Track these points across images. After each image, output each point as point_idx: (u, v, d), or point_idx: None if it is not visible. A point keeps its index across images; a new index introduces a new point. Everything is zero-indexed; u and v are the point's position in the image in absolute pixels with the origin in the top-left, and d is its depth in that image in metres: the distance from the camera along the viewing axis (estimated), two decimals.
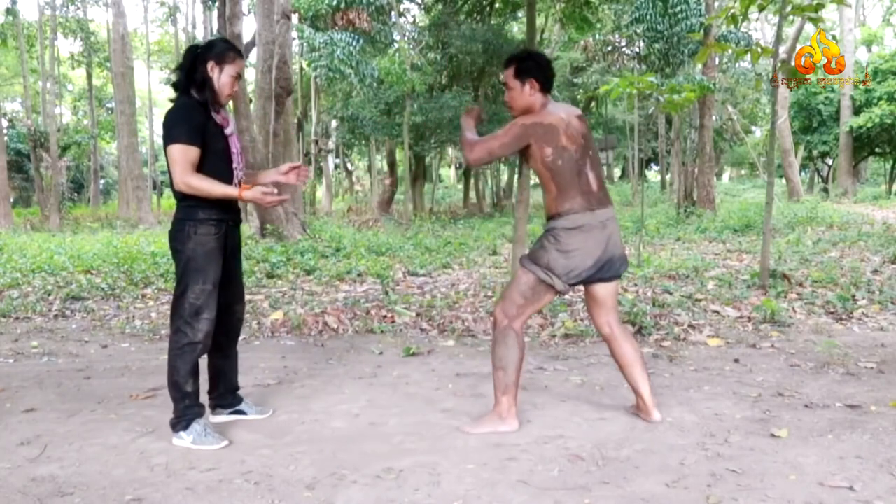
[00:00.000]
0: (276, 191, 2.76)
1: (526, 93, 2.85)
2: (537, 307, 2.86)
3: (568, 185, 2.75)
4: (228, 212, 2.82)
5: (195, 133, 2.65)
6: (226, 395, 3.07)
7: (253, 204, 2.74)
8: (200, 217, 2.72)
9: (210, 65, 2.72)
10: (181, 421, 2.73)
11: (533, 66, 2.86)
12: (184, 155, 2.63)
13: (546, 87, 2.87)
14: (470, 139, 2.91)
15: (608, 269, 2.81)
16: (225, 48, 2.78)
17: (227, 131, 2.81)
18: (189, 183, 2.64)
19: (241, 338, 4.77)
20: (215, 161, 2.74)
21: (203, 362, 2.89)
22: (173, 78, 2.88)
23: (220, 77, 2.74)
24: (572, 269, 2.75)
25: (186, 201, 2.72)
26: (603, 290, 2.88)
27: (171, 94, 2.82)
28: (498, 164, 26.86)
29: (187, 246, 2.72)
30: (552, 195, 2.79)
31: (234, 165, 2.82)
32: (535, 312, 3.03)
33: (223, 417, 3.04)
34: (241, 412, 3.06)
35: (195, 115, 2.69)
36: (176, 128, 2.66)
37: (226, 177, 2.75)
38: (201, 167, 2.69)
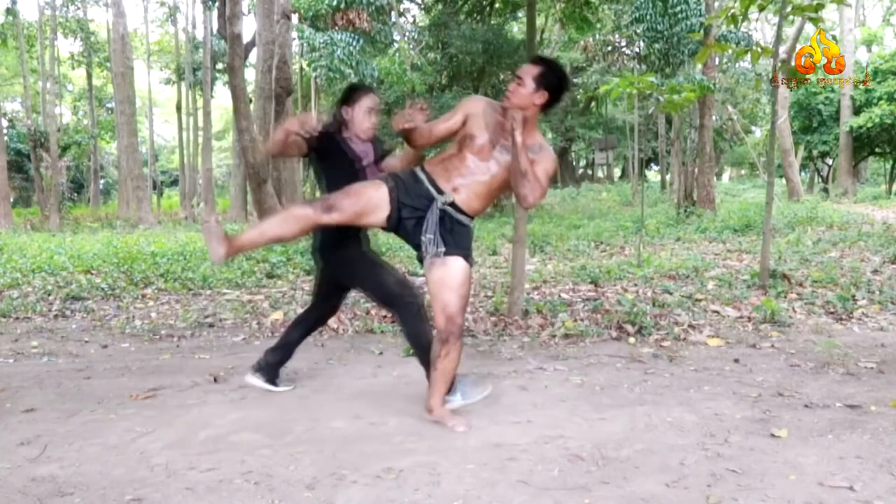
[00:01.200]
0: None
1: (533, 98, 2.83)
2: None
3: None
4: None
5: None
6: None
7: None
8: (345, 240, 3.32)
9: (345, 108, 3.24)
10: (450, 390, 3.02)
11: (555, 83, 2.86)
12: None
13: (548, 108, 2.91)
14: (533, 176, 2.76)
15: None
16: (350, 91, 3.32)
17: (364, 163, 3.22)
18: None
19: (240, 338, 4.80)
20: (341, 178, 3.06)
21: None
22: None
23: (356, 114, 3.25)
24: None
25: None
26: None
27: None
28: None
29: (351, 259, 3.33)
30: (489, 198, 2.90)
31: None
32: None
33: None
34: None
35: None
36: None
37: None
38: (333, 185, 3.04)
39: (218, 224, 2.93)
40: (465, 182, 2.82)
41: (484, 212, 2.91)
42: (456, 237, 2.82)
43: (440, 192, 2.81)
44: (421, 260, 2.88)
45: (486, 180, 2.83)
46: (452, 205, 2.81)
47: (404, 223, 2.85)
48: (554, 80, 2.85)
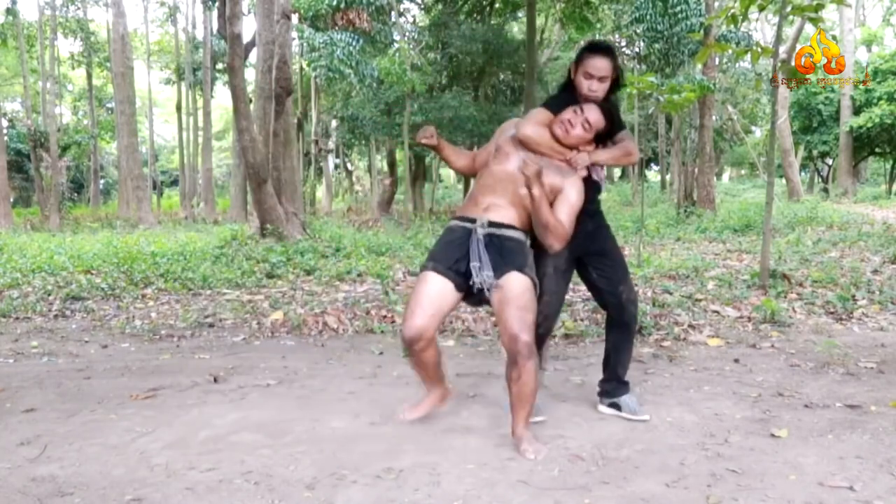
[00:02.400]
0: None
1: (588, 144, 2.79)
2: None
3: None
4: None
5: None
6: (606, 382, 3.08)
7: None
8: None
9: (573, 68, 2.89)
10: (623, 388, 3.03)
11: (608, 128, 2.79)
12: None
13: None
14: (554, 224, 2.64)
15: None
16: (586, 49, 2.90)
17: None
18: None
19: (240, 338, 4.80)
20: None
21: None
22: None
23: (580, 77, 2.86)
24: None
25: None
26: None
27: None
28: None
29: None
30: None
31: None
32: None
33: (604, 408, 3.07)
34: (618, 406, 3.01)
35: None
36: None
37: None
38: None
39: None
40: (496, 197, 2.71)
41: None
42: (507, 255, 2.65)
43: (472, 221, 2.71)
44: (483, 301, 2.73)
45: (516, 190, 2.70)
46: (493, 224, 2.68)
47: (470, 276, 2.67)
48: (608, 128, 2.80)
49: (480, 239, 2.65)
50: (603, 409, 3.05)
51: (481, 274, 2.62)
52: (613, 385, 3.03)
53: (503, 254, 2.65)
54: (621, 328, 3.00)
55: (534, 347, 2.56)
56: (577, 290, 6.03)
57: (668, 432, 2.79)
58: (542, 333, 2.90)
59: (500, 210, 2.70)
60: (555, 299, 2.93)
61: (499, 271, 2.62)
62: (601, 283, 2.96)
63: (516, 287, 2.59)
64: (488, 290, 2.63)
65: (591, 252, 2.95)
